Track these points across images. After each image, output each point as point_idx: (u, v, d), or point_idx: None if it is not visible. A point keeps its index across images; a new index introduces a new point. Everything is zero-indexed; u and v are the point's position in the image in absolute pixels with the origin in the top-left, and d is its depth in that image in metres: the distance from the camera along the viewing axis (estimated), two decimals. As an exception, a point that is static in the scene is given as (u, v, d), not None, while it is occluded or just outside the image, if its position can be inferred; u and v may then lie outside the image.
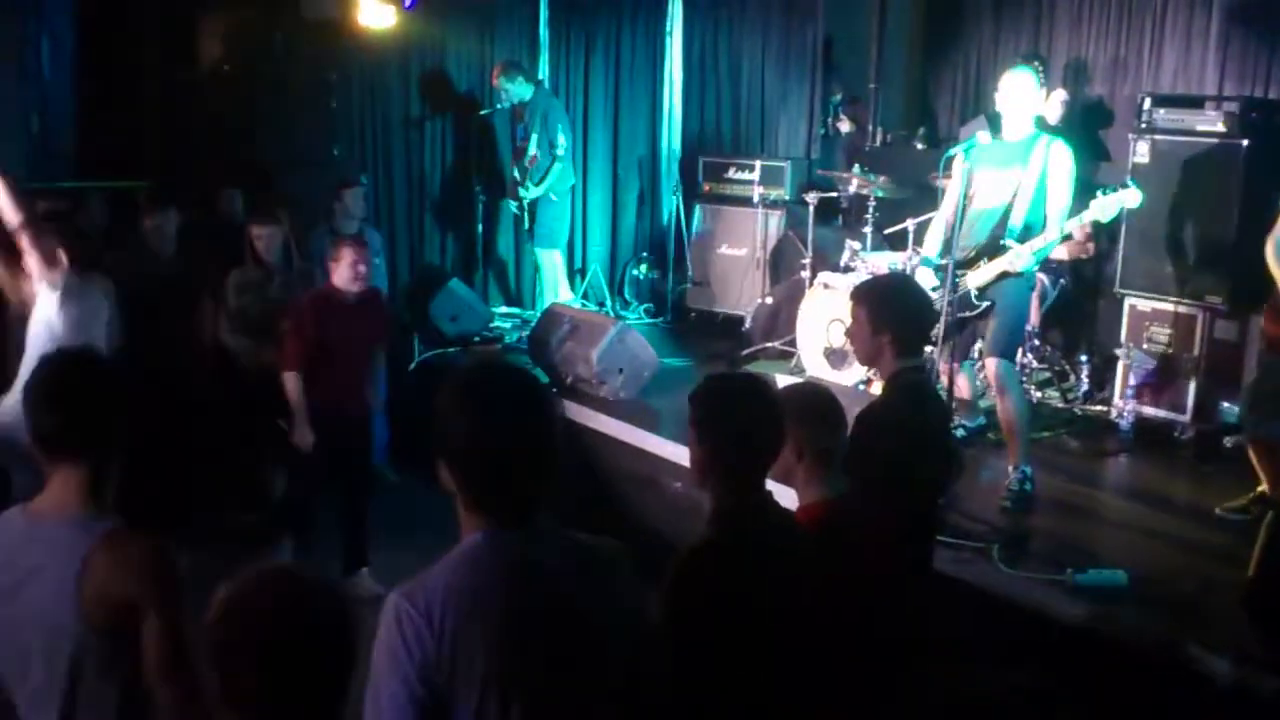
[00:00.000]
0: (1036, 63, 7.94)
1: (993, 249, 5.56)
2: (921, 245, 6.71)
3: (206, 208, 7.24)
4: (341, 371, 5.80)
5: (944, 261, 5.59)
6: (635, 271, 10.31)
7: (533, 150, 8.84)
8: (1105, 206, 5.37)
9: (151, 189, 6.74)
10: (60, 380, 2.61)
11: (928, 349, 5.62)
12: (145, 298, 5.75)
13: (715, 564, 2.64)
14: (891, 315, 3.70)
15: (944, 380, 5.84)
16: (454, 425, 2.21)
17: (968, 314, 5.63)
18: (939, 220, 6.05)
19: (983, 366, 5.95)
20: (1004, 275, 5.53)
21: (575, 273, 9.91)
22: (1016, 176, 5.57)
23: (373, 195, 8.78)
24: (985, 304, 5.60)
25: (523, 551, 2.20)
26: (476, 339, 8.81)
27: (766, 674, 2.66)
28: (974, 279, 5.58)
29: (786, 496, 3.20)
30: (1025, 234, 5.52)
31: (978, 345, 6.03)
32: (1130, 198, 5.34)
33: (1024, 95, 5.65)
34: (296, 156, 7.90)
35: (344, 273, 5.79)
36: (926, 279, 5.78)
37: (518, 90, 8.84)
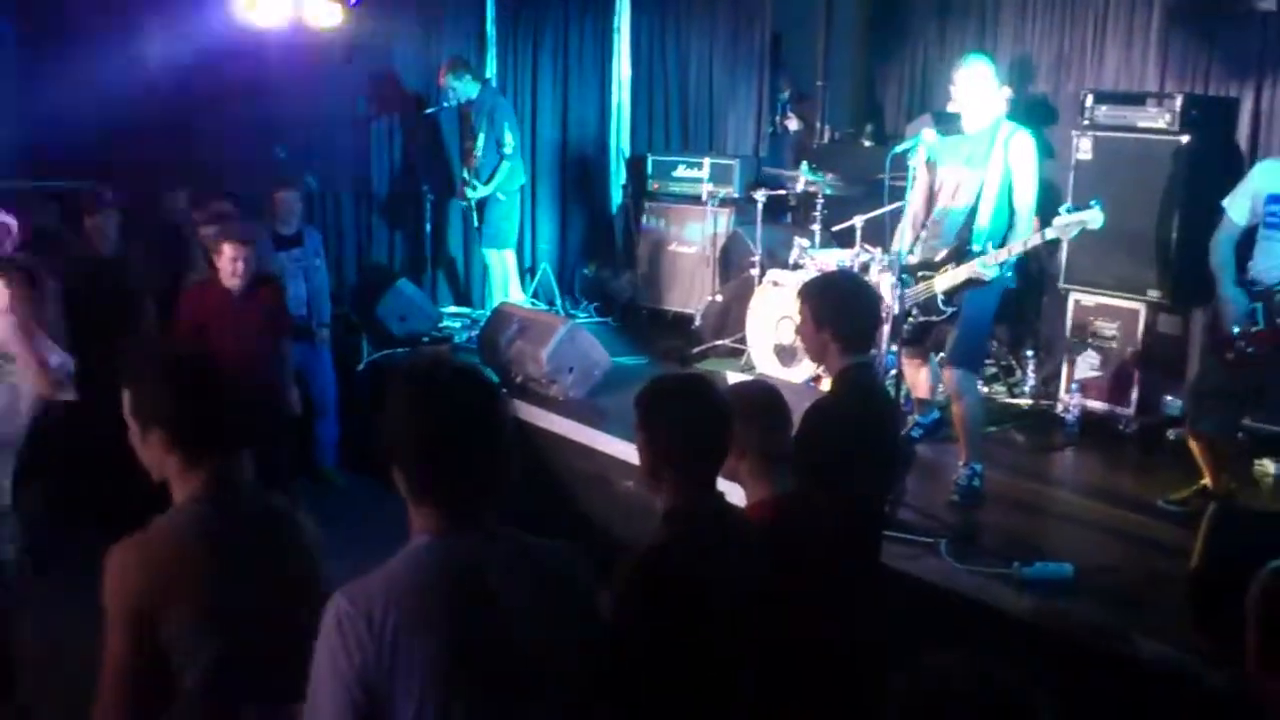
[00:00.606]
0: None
1: (960, 254, 5.50)
2: (871, 242, 6.76)
3: (150, 208, 7.15)
4: (231, 365, 5.74)
5: (911, 259, 5.60)
6: (585, 270, 10.29)
7: (480, 149, 8.81)
8: (1067, 226, 5.27)
9: (91, 189, 6.66)
10: None
11: (893, 346, 5.66)
12: (85, 297, 5.69)
13: (668, 565, 2.62)
14: (835, 312, 3.72)
15: (906, 379, 5.87)
16: (402, 425, 2.19)
17: (934, 318, 5.60)
18: (906, 220, 5.94)
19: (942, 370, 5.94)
20: (971, 282, 5.46)
21: (525, 272, 9.88)
22: (979, 176, 5.50)
23: (319, 195, 8.71)
24: (951, 310, 5.56)
25: (470, 554, 2.18)
26: (425, 339, 8.76)
27: (720, 674, 2.66)
28: (941, 283, 5.52)
29: (737, 494, 3.21)
30: (992, 235, 5.47)
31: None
32: (1093, 218, 5.23)
33: (982, 85, 5.57)
34: (240, 157, 7.81)
35: (224, 268, 5.87)
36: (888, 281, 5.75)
37: (464, 89, 8.80)
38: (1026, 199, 5.45)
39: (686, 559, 2.65)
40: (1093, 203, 5.27)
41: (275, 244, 6.96)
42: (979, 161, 5.52)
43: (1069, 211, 5.30)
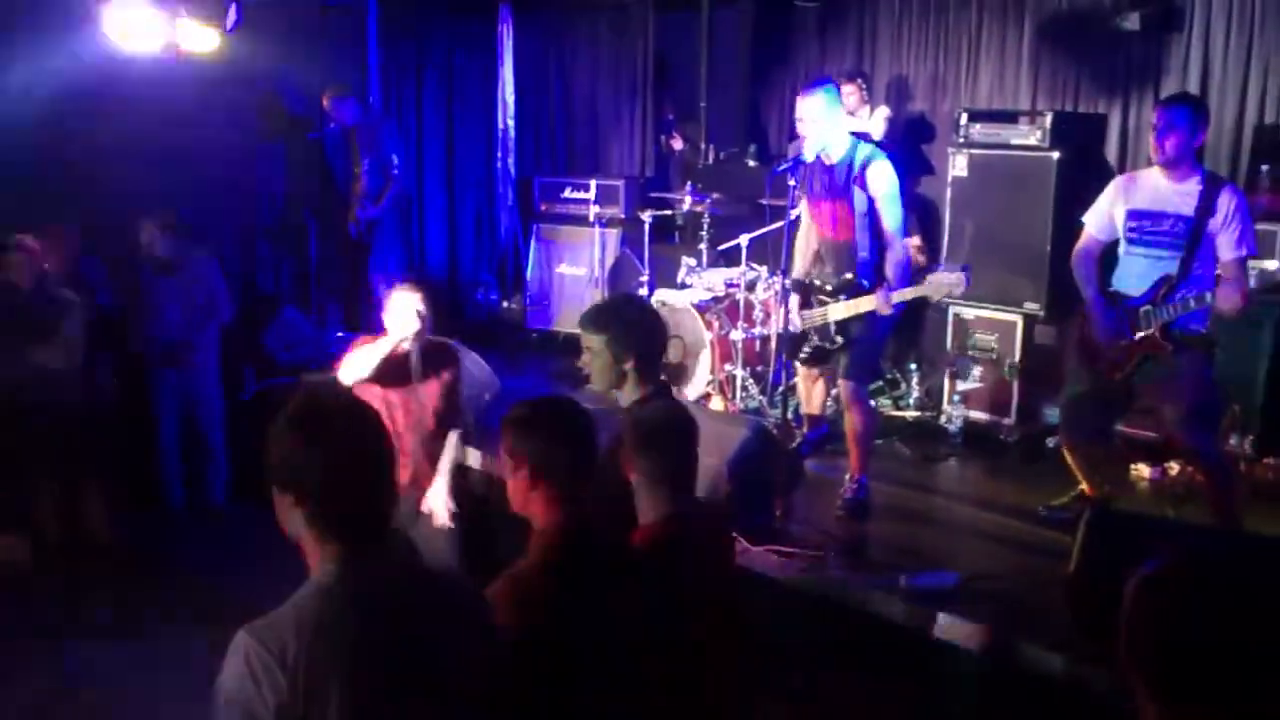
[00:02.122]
0: (859, 79, 8.18)
1: (851, 288, 5.53)
2: (756, 260, 6.84)
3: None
4: None
5: (807, 282, 5.67)
6: (476, 294, 10.25)
7: (366, 173, 8.73)
8: (937, 288, 5.40)
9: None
10: None
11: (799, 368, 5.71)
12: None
13: (540, 589, 2.62)
14: (634, 339, 3.66)
15: (800, 393, 5.94)
16: (295, 457, 2.17)
17: (828, 345, 5.68)
18: (798, 244, 5.95)
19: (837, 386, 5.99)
20: (863, 314, 5.49)
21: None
22: (848, 210, 5.49)
23: (199, 224, 8.56)
24: (843, 340, 5.61)
25: (374, 584, 2.16)
26: (313, 366, 8.63)
27: (602, 696, 2.66)
28: (835, 313, 5.57)
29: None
30: (875, 264, 5.50)
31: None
32: (957, 287, 5.37)
33: (822, 116, 5.42)
34: (115, 187, 7.65)
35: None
36: (794, 302, 5.79)
37: (348, 112, 8.72)
38: (893, 225, 5.45)
39: (557, 582, 2.64)
40: (962, 268, 5.45)
41: (153, 270, 6.84)
42: (841, 193, 5.50)
43: (940, 273, 5.48)
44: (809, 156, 5.53)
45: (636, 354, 3.65)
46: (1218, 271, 4.89)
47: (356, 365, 4.81)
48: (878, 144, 6.12)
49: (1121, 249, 5.09)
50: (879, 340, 5.81)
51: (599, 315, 3.81)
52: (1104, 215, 5.13)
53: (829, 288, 5.64)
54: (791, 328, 5.74)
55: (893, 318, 5.59)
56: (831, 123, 5.45)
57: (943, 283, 5.41)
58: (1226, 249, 4.80)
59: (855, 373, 5.64)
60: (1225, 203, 4.77)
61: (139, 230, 6.88)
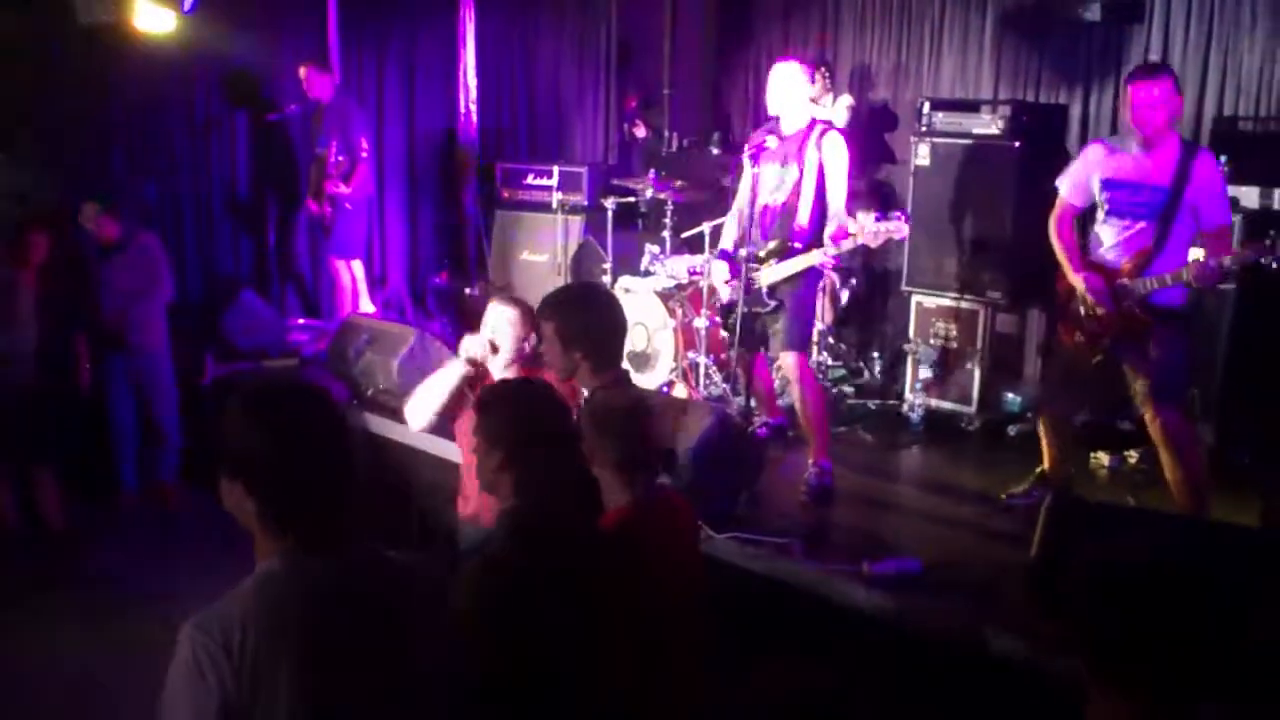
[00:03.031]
0: (823, 68, 8.19)
1: (782, 250, 5.65)
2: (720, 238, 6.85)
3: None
4: None
5: (742, 254, 5.67)
6: (437, 280, 10.19)
7: (333, 154, 8.64)
8: (876, 235, 5.42)
9: None
10: None
11: (725, 337, 5.72)
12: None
13: (509, 575, 2.62)
14: (584, 329, 3.65)
15: (740, 375, 5.97)
16: (249, 446, 2.15)
17: (759, 310, 5.73)
18: (732, 214, 6.12)
19: (779, 364, 6.07)
20: (794, 275, 5.63)
21: (375, 281, 9.73)
22: (795, 175, 5.63)
23: (157, 204, 8.46)
24: (775, 303, 5.71)
25: (323, 574, 2.14)
26: (273, 352, 8.56)
27: (568, 681, 2.66)
28: (766, 277, 5.68)
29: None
30: (811, 231, 5.60)
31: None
32: (897, 231, 5.42)
33: (791, 87, 5.66)
34: (71, 166, 7.55)
35: None
36: (721, 271, 5.89)
37: (324, 89, 8.63)
38: (838, 195, 5.56)
39: (527, 568, 2.64)
40: (900, 214, 5.50)
41: (98, 254, 6.76)
42: (792, 159, 5.64)
43: (878, 222, 5.44)
44: (785, 129, 5.70)
45: (586, 342, 3.63)
46: (1195, 241, 4.91)
47: (423, 406, 4.23)
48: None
49: (1099, 218, 5.06)
50: (811, 307, 5.91)
51: (548, 303, 3.80)
52: (1079, 181, 5.09)
53: (760, 254, 5.69)
54: (719, 298, 5.76)
55: (819, 279, 5.78)
56: (798, 95, 5.69)
57: (880, 229, 5.41)
58: (1205, 218, 4.80)
59: (792, 340, 5.70)
60: (1202, 171, 4.75)
61: (79, 211, 6.79)
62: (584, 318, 3.68)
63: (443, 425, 4.38)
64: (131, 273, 6.77)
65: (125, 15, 7.34)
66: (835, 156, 5.57)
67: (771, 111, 5.76)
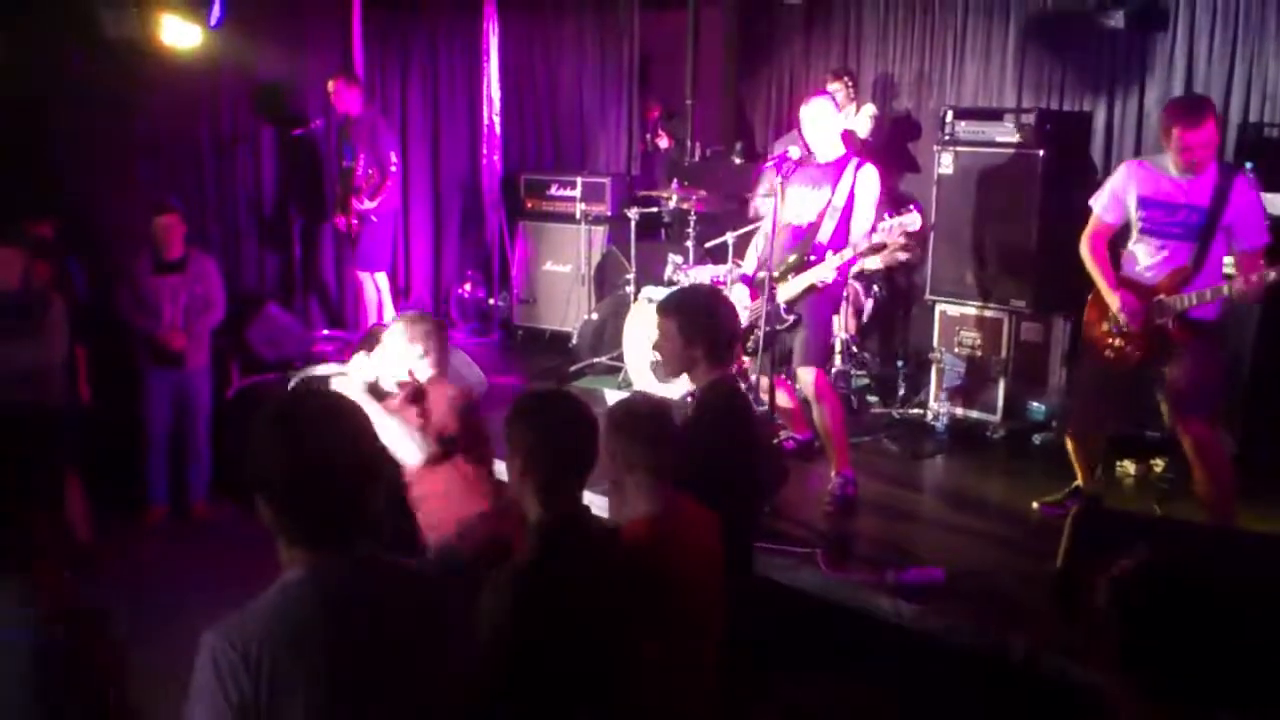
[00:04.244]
0: (846, 78, 8.19)
1: (799, 265, 5.72)
2: (743, 257, 6.84)
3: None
4: None
5: (760, 275, 5.70)
6: (460, 291, 10.23)
7: (361, 167, 8.69)
8: (890, 230, 5.49)
9: None
10: None
11: (746, 361, 5.76)
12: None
13: (535, 583, 2.62)
14: (704, 327, 3.76)
15: (764, 393, 5.96)
16: (268, 458, 2.16)
17: (779, 327, 5.75)
18: (759, 235, 6.17)
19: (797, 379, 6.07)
20: (810, 290, 5.68)
21: (399, 293, 9.78)
22: (826, 197, 5.73)
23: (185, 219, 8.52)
24: (793, 318, 5.74)
25: (345, 584, 2.15)
26: (298, 364, 8.59)
27: (593, 691, 2.66)
28: (783, 293, 5.72)
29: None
30: (829, 250, 5.66)
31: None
32: (910, 222, 5.46)
33: (823, 122, 5.83)
34: (100, 182, 7.61)
35: None
36: (741, 295, 5.91)
37: (354, 102, 8.68)
38: (862, 226, 5.68)
39: (552, 576, 2.65)
40: (912, 204, 5.56)
41: (156, 270, 6.78)
42: (825, 183, 5.75)
43: (889, 219, 5.52)
44: (819, 157, 5.86)
45: (706, 341, 3.73)
46: (1229, 260, 4.89)
47: (403, 445, 4.15)
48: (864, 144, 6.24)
49: (1133, 237, 5.06)
50: (828, 321, 6.00)
51: (672, 302, 3.93)
52: (1115, 200, 5.08)
53: (777, 272, 5.74)
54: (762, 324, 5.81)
55: (836, 295, 5.91)
56: (831, 128, 5.86)
57: (894, 224, 5.48)
58: (1242, 239, 4.80)
59: (811, 355, 5.74)
60: (1241, 194, 4.76)
61: (151, 225, 6.82)
62: (706, 317, 3.79)
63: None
64: (189, 291, 6.82)
65: (151, 30, 7.41)
66: (867, 189, 5.70)
67: (804, 137, 5.90)
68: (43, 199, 7.15)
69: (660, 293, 7.39)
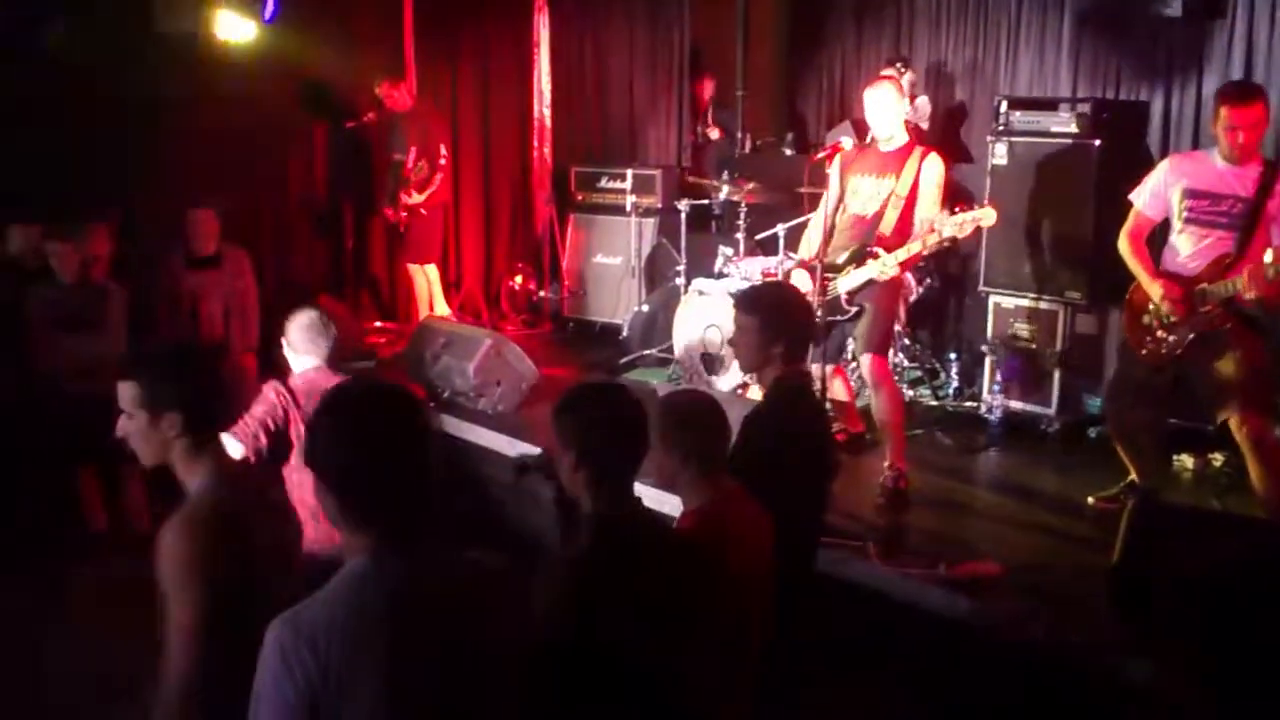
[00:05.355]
0: (899, 64, 8.11)
1: (860, 255, 5.68)
2: (794, 249, 6.81)
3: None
4: None
5: (815, 265, 5.68)
6: (511, 283, 10.27)
7: (412, 161, 8.75)
8: (962, 225, 5.45)
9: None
10: None
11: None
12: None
13: (591, 576, 2.63)
14: (785, 323, 3.78)
15: (817, 384, 5.95)
16: (328, 448, 2.18)
17: (838, 318, 5.74)
18: (814, 225, 6.13)
19: (857, 365, 6.06)
20: (871, 281, 5.66)
21: (450, 286, 9.83)
22: (889, 186, 5.71)
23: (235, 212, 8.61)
24: (854, 310, 5.73)
25: (408, 574, 2.17)
26: (349, 356, 8.67)
27: (648, 683, 2.66)
28: (844, 284, 5.69)
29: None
30: (894, 240, 5.64)
31: (850, 349, 6.15)
32: (986, 218, 5.46)
33: (887, 105, 5.78)
34: (156, 176, 7.70)
35: None
36: (801, 282, 5.88)
37: (403, 100, 8.74)
38: (927, 215, 5.64)
39: (602, 566, 2.66)
40: (985, 203, 5.55)
41: (188, 265, 6.85)
42: (889, 172, 5.73)
43: (963, 212, 5.49)
44: (882, 145, 5.82)
45: (785, 338, 3.75)
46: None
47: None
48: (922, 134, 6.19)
49: (1175, 228, 5.04)
50: (892, 310, 5.97)
51: (751, 298, 3.97)
52: (1156, 194, 5.08)
53: (839, 261, 5.72)
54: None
55: (899, 284, 5.89)
56: (895, 113, 5.81)
57: (966, 219, 5.45)
58: None
59: (873, 342, 5.72)
60: None
61: (187, 220, 6.89)
62: (785, 315, 3.81)
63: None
64: (227, 287, 6.90)
65: (207, 24, 7.49)
66: (932, 178, 5.67)
67: (867, 122, 5.87)
68: (102, 194, 7.25)
69: (711, 285, 7.38)
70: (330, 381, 4.43)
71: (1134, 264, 5.12)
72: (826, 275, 5.63)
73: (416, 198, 8.73)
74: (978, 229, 5.59)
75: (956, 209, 5.52)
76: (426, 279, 9.08)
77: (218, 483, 2.63)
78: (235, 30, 7.62)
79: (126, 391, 2.67)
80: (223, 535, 2.52)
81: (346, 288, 9.57)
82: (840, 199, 5.93)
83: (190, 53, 7.71)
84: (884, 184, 5.74)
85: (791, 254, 7.15)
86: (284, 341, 4.67)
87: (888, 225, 5.68)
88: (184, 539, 2.51)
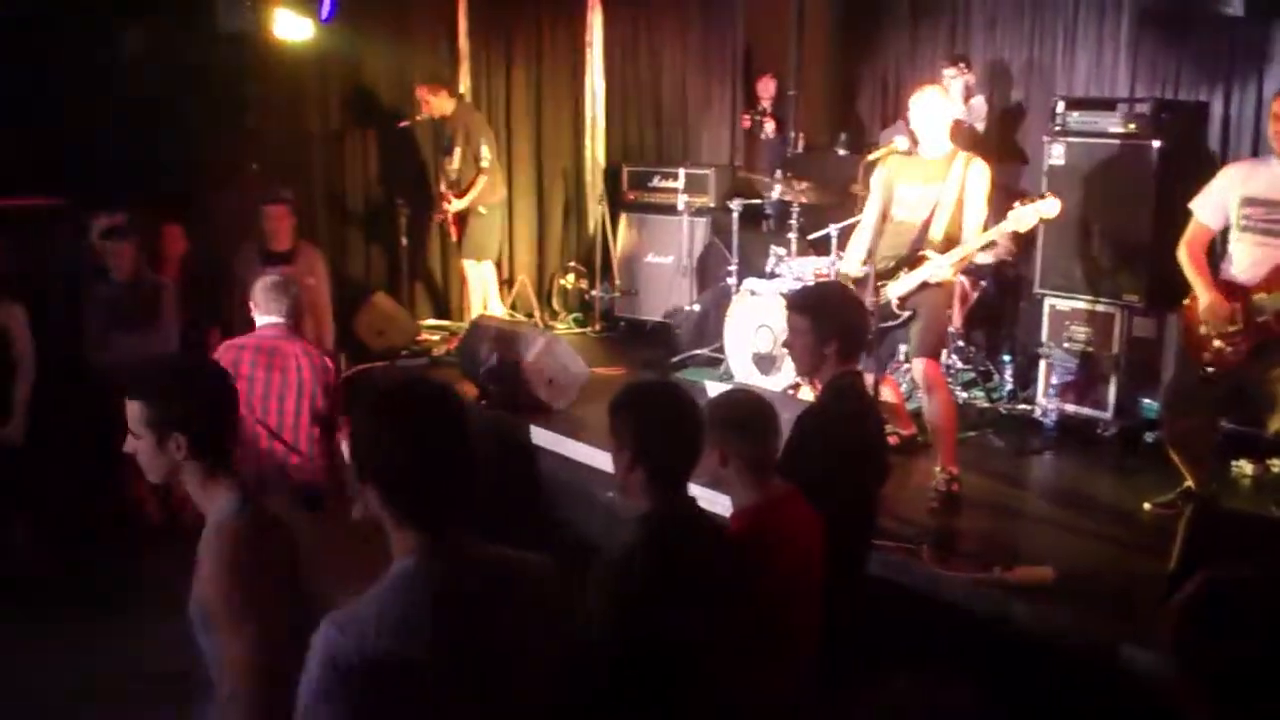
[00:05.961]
0: (961, 64, 8.04)
1: (911, 260, 5.67)
2: (845, 251, 6.80)
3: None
4: None
5: (865, 271, 5.66)
6: (563, 281, 10.30)
7: (456, 164, 8.79)
8: (1023, 217, 5.46)
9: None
10: None
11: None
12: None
13: (639, 571, 2.64)
14: (839, 325, 3.77)
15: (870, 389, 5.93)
16: (373, 445, 2.18)
17: (890, 324, 5.72)
18: (860, 230, 6.12)
19: (909, 369, 6.04)
20: (924, 285, 5.64)
21: (503, 284, 9.87)
22: (935, 193, 5.70)
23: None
24: (906, 314, 5.71)
25: (453, 574, 2.17)
26: (404, 353, 8.74)
27: (697, 682, 2.66)
28: (895, 289, 5.69)
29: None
30: (943, 246, 5.63)
31: (901, 352, 6.13)
32: (1047, 208, 5.44)
33: (932, 112, 5.76)
34: (213, 173, 7.79)
35: None
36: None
37: (440, 105, 8.78)
38: (976, 220, 5.64)
39: (656, 565, 2.66)
40: (1045, 192, 5.53)
41: (264, 261, 6.91)
42: (936, 179, 5.71)
43: (1023, 204, 5.49)
44: (927, 153, 5.80)
45: (839, 339, 3.75)
46: None
47: None
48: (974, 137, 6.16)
49: (1233, 236, 5.00)
50: (944, 314, 5.95)
51: (805, 299, 3.97)
52: (1216, 203, 5.04)
53: (889, 266, 5.71)
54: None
55: (952, 288, 5.89)
56: (941, 119, 5.78)
57: (1028, 212, 5.44)
58: None
59: (926, 347, 5.70)
60: None
61: (262, 216, 6.95)
62: (840, 315, 3.81)
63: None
64: (300, 283, 6.96)
65: (265, 23, 7.57)
66: (978, 184, 5.65)
67: (913, 128, 5.84)
68: (161, 192, 7.34)
69: (762, 285, 7.37)
70: (286, 338, 4.89)
71: (1192, 274, 5.08)
72: (880, 282, 5.62)
73: (457, 204, 8.76)
74: (1038, 224, 5.55)
75: (1018, 203, 5.49)
76: (483, 277, 9.12)
77: (239, 508, 2.63)
78: (292, 29, 7.70)
79: (133, 411, 2.67)
80: (265, 566, 2.53)
81: (401, 286, 9.63)
82: (884, 207, 5.92)
83: (248, 51, 7.80)
84: (930, 191, 5.72)
85: (844, 254, 7.13)
86: (250, 302, 5.05)
87: (937, 231, 5.67)
88: (228, 572, 2.51)
